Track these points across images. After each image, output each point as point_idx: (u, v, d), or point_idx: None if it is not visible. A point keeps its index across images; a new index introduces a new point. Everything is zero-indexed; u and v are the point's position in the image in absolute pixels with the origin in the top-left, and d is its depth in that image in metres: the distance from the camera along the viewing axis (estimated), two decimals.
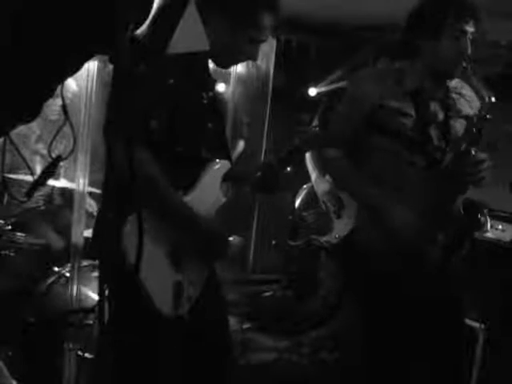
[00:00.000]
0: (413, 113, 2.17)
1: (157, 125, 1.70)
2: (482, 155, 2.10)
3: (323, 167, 2.63)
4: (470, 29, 2.09)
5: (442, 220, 2.15)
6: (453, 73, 2.16)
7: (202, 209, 1.84)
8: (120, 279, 1.69)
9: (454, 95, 2.24)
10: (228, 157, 1.96)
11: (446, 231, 2.16)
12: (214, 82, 1.99)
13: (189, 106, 1.80)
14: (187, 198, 1.82)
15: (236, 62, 2.01)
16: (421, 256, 2.15)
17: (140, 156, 1.63)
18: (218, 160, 1.90)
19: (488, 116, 2.09)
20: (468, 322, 2.85)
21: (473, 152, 2.08)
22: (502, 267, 2.88)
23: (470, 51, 2.08)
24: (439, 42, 2.11)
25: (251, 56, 1.91)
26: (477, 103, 2.23)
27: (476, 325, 2.83)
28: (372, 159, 2.25)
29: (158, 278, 1.75)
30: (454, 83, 2.25)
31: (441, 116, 2.21)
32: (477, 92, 2.14)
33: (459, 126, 2.23)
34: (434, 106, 2.21)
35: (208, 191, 1.88)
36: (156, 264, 1.75)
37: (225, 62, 1.96)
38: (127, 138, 1.55)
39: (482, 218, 2.19)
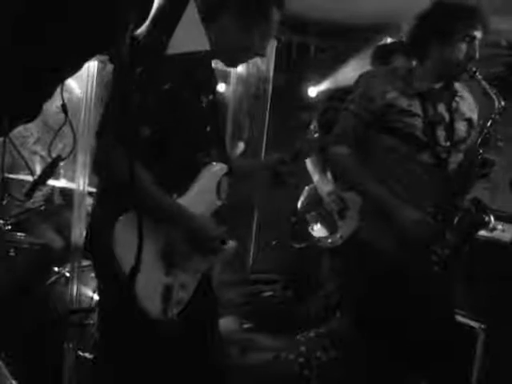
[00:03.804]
0: (421, 113, 2.20)
1: (149, 131, 1.68)
2: (491, 157, 2.16)
3: (330, 164, 2.64)
4: (478, 34, 2.14)
5: (449, 218, 2.18)
6: (459, 76, 2.21)
7: (197, 211, 1.82)
8: (111, 278, 1.68)
9: (457, 98, 2.29)
10: (225, 159, 1.95)
11: (453, 229, 2.19)
12: (215, 84, 1.98)
13: (187, 111, 1.79)
14: (182, 201, 1.79)
15: (246, 59, 1.98)
16: (428, 254, 2.17)
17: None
18: (214, 163, 1.90)
19: (497, 118, 2.15)
20: (468, 321, 2.86)
21: (481, 153, 2.15)
22: (502, 267, 2.88)
23: (477, 56, 2.14)
24: (448, 45, 2.16)
25: (262, 52, 1.90)
26: (474, 107, 2.32)
27: (476, 325, 2.83)
28: (380, 158, 2.28)
29: (147, 278, 1.68)
30: (456, 87, 2.30)
31: (447, 117, 2.25)
32: (486, 95, 2.17)
33: (462, 127, 2.29)
34: (440, 108, 2.25)
35: (203, 194, 1.86)
36: (146, 266, 1.71)
37: (235, 60, 1.95)
38: (120, 142, 1.55)
39: (487, 217, 2.22)
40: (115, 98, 1.70)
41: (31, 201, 3.18)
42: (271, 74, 4.42)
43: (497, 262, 2.90)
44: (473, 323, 2.84)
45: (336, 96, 3.40)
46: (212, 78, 1.94)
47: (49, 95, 0.82)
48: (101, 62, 2.74)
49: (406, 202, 2.19)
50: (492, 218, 2.23)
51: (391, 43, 3.39)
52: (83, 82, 2.78)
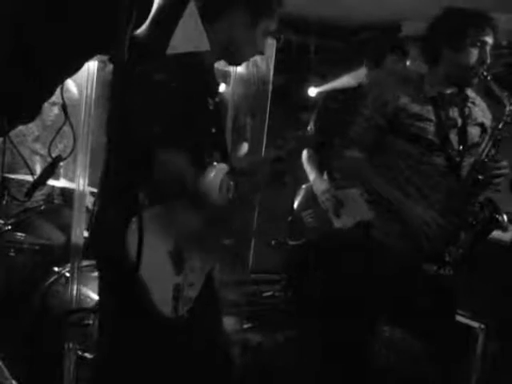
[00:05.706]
0: (433, 118, 2.21)
1: (159, 129, 1.69)
2: (504, 162, 2.19)
3: (343, 167, 2.65)
4: (489, 39, 2.17)
5: (462, 219, 2.19)
6: (471, 81, 2.23)
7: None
8: (120, 279, 1.70)
9: (469, 104, 2.31)
10: (226, 159, 1.95)
11: (466, 230, 2.20)
12: (218, 87, 1.99)
13: (195, 112, 1.80)
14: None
15: (250, 57, 1.99)
16: (441, 254, 2.19)
17: (163, 157, 1.66)
18: (216, 163, 1.90)
19: (509, 120, 2.17)
20: (468, 321, 2.86)
21: (494, 155, 2.18)
22: (501, 267, 2.88)
23: (488, 60, 2.16)
24: (460, 51, 2.18)
25: (262, 49, 1.92)
26: (488, 113, 2.34)
27: (475, 325, 2.83)
28: (394, 161, 2.29)
29: (159, 278, 1.75)
30: (469, 93, 2.32)
31: (459, 122, 2.27)
32: (497, 98, 2.19)
33: (475, 132, 2.31)
34: (452, 112, 2.27)
35: (207, 194, 1.87)
36: (157, 264, 1.75)
37: (241, 58, 1.96)
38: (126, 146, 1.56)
39: (500, 217, 2.23)
40: (115, 98, 1.70)
41: (31, 200, 3.18)
42: (271, 74, 4.41)
43: (497, 262, 2.90)
44: (473, 323, 2.84)
45: (331, 96, 3.42)
46: (216, 80, 1.96)
47: (48, 95, 0.82)
48: (101, 61, 2.73)
49: (419, 204, 2.21)
50: (505, 218, 2.25)
51: (383, 43, 3.39)
52: (83, 82, 2.78)
